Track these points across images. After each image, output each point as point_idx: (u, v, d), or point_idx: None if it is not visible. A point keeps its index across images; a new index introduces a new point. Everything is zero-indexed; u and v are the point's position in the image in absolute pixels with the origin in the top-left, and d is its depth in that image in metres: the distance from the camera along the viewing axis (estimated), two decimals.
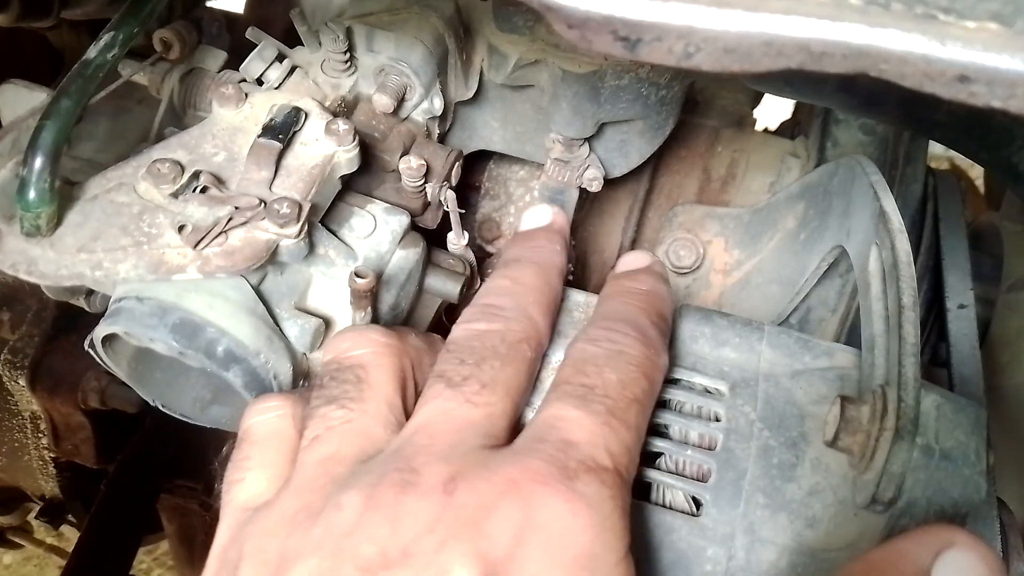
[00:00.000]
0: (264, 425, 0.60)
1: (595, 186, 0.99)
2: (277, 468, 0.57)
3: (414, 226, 0.90)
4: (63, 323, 1.20)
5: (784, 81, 0.76)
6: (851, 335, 1.07)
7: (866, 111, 0.86)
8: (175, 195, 0.73)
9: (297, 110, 0.78)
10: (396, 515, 0.46)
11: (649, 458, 0.71)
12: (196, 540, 1.39)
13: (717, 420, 0.71)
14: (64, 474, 1.32)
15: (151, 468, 1.33)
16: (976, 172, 2.00)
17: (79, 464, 1.31)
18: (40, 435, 1.25)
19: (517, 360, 0.58)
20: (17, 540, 1.71)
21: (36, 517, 1.42)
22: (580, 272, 1.19)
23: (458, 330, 0.59)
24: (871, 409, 0.61)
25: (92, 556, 1.34)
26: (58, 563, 1.82)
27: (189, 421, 0.84)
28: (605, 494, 0.49)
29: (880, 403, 0.60)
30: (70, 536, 1.47)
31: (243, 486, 0.57)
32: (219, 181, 0.74)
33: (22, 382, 1.19)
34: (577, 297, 0.79)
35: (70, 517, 1.42)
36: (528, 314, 0.61)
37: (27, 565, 2.00)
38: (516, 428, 0.58)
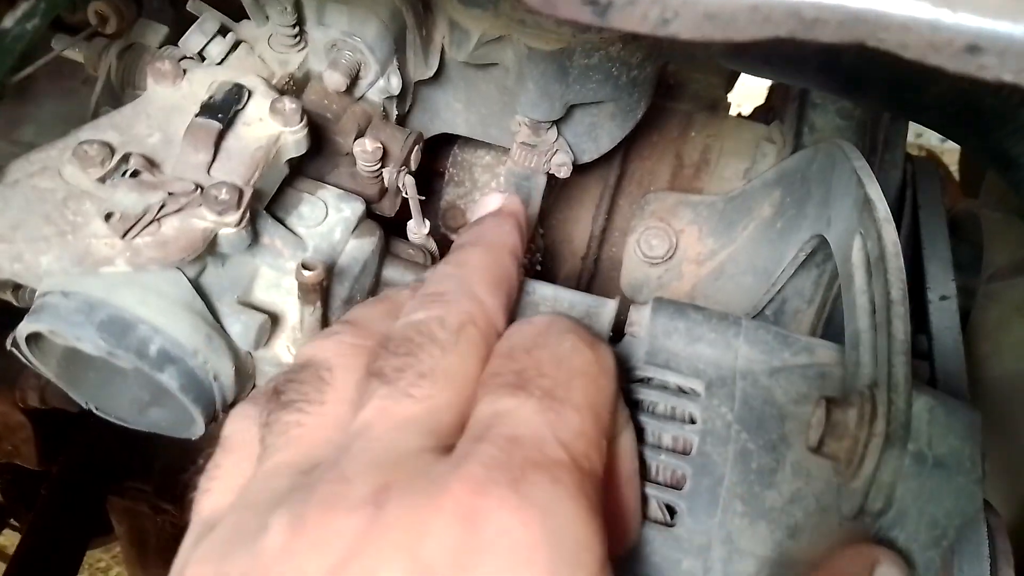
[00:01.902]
0: (241, 433, 0.54)
1: (563, 172, 0.94)
2: (242, 480, 0.52)
3: (370, 214, 0.84)
4: None
5: (763, 58, 0.72)
6: (827, 327, 1.03)
7: (848, 92, 0.82)
8: (103, 180, 0.66)
9: (239, 87, 0.72)
10: (322, 537, 0.41)
11: None
12: (148, 542, 1.33)
13: (692, 422, 0.66)
14: (5, 476, 1.25)
15: (97, 469, 1.26)
16: (950, 158, 1.98)
17: (20, 466, 1.24)
18: None
19: (462, 345, 0.51)
20: None
21: None
22: (550, 262, 1.15)
23: (397, 325, 0.53)
24: (859, 413, 0.56)
25: (35, 560, 1.27)
26: None
27: (126, 425, 0.78)
28: (561, 494, 0.42)
29: (869, 406, 0.55)
30: (13, 540, 1.40)
31: (208, 498, 0.53)
32: (152, 164, 0.68)
33: None
34: (545, 291, 0.74)
35: (12, 521, 1.35)
36: (472, 293, 0.55)
37: None
38: None
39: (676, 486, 0.64)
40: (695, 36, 0.41)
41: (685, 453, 0.65)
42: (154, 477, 1.25)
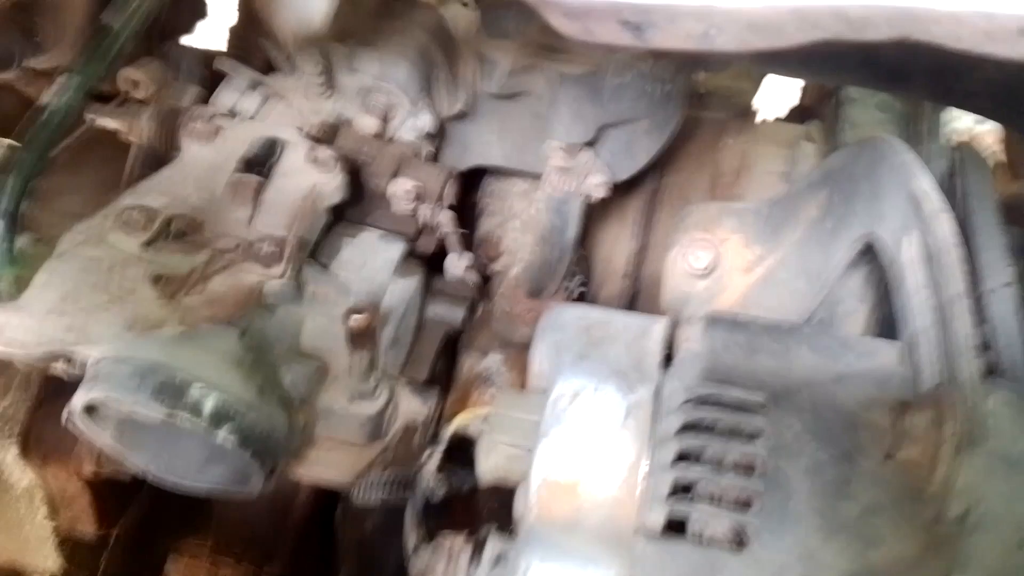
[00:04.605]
0: None
1: (602, 191, 0.93)
2: None
3: (411, 252, 0.84)
4: (52, 388, 1.14)
5: (801, 60, 0.70)
6: (882, 325, 1.01)
7: (890, 85, 0.80)
8: (148, 244, 0.67)
9: (274, 141, 0.73)
10: None
11: (682, 489, 0.64)
12: None
13: (756, 436, 0.64)
14: (66, 545, 1.26)
15: (156, 530, 1.26)
16: (984, 142, 1.94)
17: (81, 534, 1.25)
18: (37, 507, 1.19)
19: None
20: None
21: None
22: (592, 282, 1.14)
23: None
24: (929, 415, 0.54)
25: None
26: None
27: (187, 487, 0.78)
28: None
29: (938, 408, 0.53)
30: None
31: None
32: (195, 224, 0.68)
33: (14, 452, 1.13)
34: (594, 314, 0.74)
35: None
36: None
37: None
38: None
39: (747, 505, 0.62)
40: (740, 48, 0.40)
41: (753, 470, 0.63)
42: (213, 532, 1.25)
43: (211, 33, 1.17)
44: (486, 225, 1.11)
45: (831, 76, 0.86)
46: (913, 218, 0.65)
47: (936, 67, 0.67)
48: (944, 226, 0.62)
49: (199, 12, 1.10)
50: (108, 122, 0.92)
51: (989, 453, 0.56)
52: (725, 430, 0.66)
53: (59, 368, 0.78)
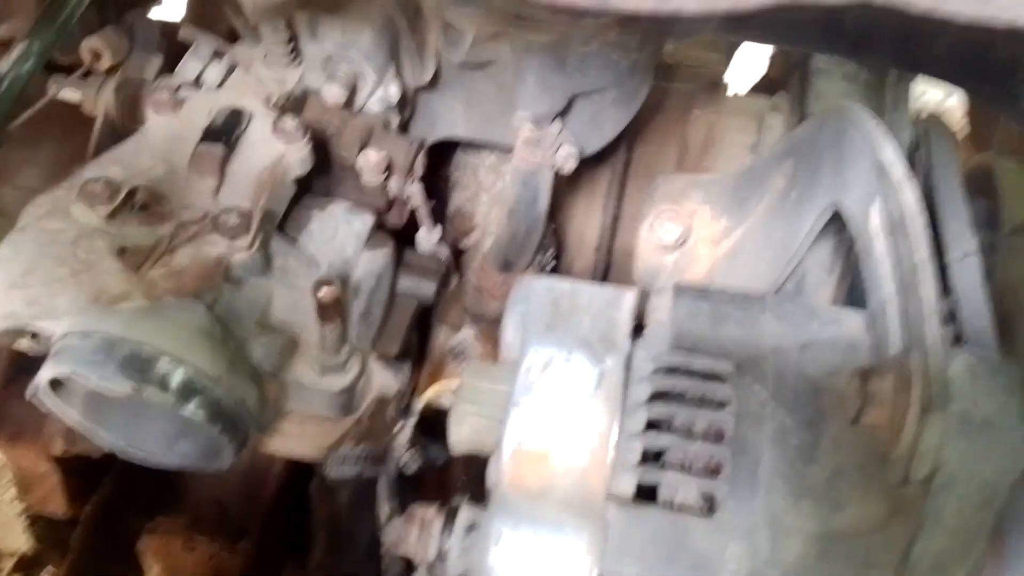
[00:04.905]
0: None
1: (570, 164, 0.93)
2: None
3: (380, 225, 0.84)
4: (20, 366, 1.12)
5: (766, 26, 0.71)
6: (850, 294, 1.02)
7: (855, 53, 0.80)
8: (112, 216, 0.66)
9: (239, 111, 0.72)
10: None
11: (652, 456, 0.65)
12: None
13: (725, 405, 0.65)
14: (37, 525, 1.25)
15: (127, 509, 1.26)
16: (949, 118, 1.95)
17: (51, 513, 1.24)
18: (5, 488, 1.18)
19: None
20: None
21: (10, 574, 1.34)
22: (563, 256, 1.14)
23: None
24: (894, 380, 0.55)
25: None
26: None
27: (156, 463, 0.77)
28: None
29: (903, 372, 0.54)
30: None
31: None
32: (159, 196, 0.67)
33: None
34: (562, 286, 0.74)
35: (50, 567, 1.34)
36: None
37: None
38: None
39: (715, 472, 0.62)
40: (700, 10, 0.40)
41: (720, 438, 0.63)
42: (186, 510, 1.24)
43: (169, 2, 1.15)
44: (457, 199, 1.10)
45: (796, 43, 0.86)
46: (878, 186, 0.66)
47: (900, 34, 0.67)
48: (909, 194, 0.62)
49: None
50: (71, 93, 0.90)
51: (953, 416, 0.56)
52: (694, 399, 0.67)
53: (24, 344, 0.77)
